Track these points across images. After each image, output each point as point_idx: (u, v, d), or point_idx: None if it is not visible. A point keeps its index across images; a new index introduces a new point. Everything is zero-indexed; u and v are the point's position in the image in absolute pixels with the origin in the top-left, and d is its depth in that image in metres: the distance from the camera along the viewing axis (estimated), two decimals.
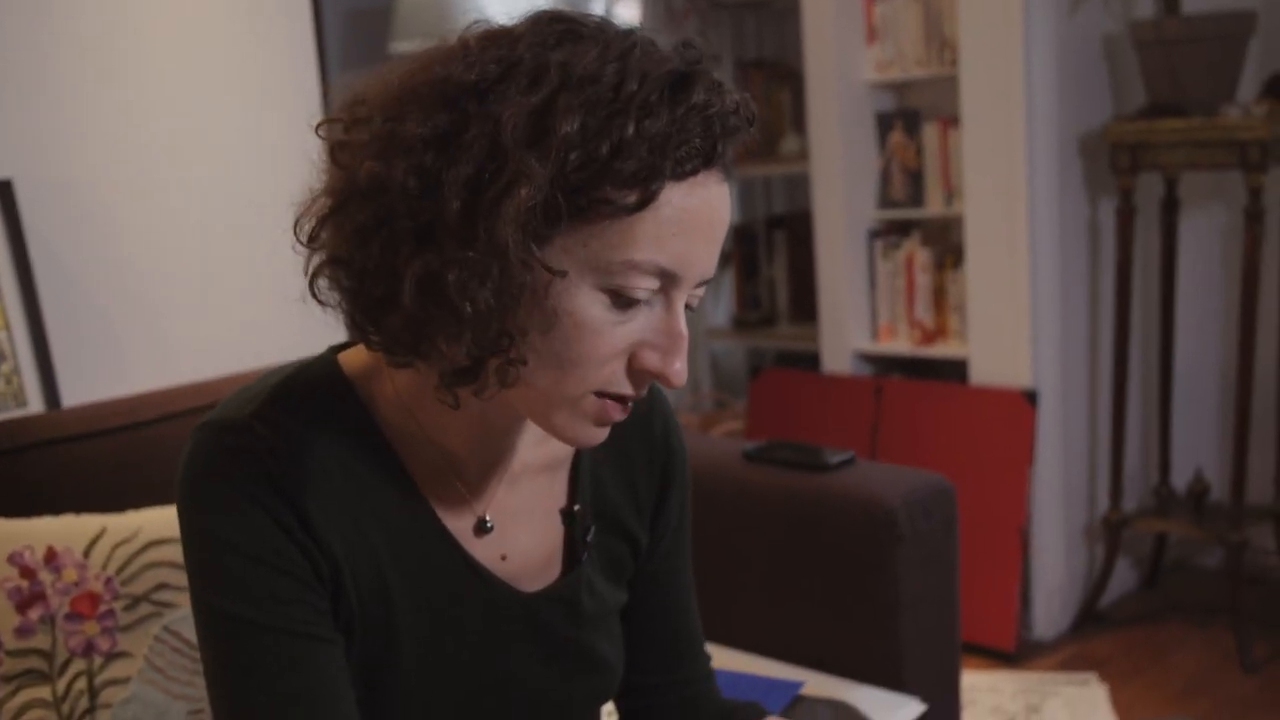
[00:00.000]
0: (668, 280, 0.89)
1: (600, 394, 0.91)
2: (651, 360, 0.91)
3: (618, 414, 0.93)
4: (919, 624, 1.73)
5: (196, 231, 2.27)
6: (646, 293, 0.89)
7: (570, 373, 0.89)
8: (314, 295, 0.92)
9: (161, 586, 1.54)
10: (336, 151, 0.90)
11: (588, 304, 0.88)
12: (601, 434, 0.95)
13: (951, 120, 3.47)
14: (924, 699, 1.68)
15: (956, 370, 3.56)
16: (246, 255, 2.30)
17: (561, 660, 1.07)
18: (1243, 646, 3.17)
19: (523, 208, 0.82)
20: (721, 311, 4.58)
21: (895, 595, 1.70)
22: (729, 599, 1.89)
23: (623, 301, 0.88)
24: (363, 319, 0.90)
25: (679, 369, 0.92)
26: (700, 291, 0.94)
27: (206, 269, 2.28)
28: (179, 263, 2.24)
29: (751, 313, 4.41)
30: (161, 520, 1.57)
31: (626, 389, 0.92)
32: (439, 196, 0.84)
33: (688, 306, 0.93)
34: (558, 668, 1.07)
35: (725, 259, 4.44)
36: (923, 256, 3.57)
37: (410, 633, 1.00)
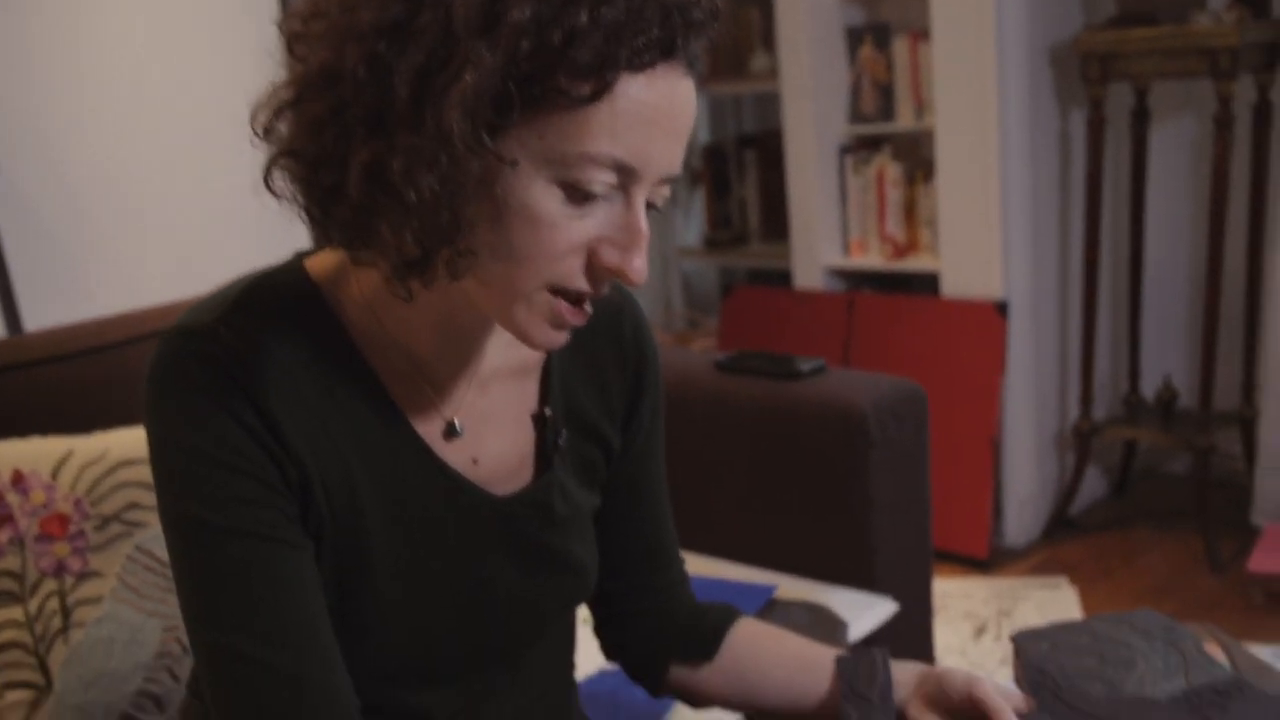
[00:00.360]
0: (626, 175, 0.88)
1: (555, 291, 0.90)
2: (610, 257, 0.90)
3: (572, 315, 0.92)
4: (891, 527, 1.75)
5: (154, 155, 2.23)
6: (604, 187, 0.87)
7: (523, 266, 0.88)
8: (268, 187, 0.90)
9: (132, 506, 1.54)
10: (293, 44, 0.89)
11: (541, 197, 0.86)
12: (559, 337, 0.94)
13: (921, 33, 3.44)
14: (896, 599, 1.70)
15: (928, 284, 3.56)
16: (205, 177, 2.26)
17: (535, 564, 1.07)
18: (1210, 548, 3.22)
19: (469, 94, 0.81)
20: (693, 231, 4.57)
21: (867, 499, 1.71)
22: (703, 507, 1.90)
23: (579, 195, 0.87)
24: (315, 209, 0.89)
25: (639, 266, 0.90)
26: (665, 191, 0.92)
27: (164, 192, 2.25)
28: (137, 187, 2.21)
29: (723, 232, 4.39)
30: (130, 441, 1.56)
31: (583, 285, 0.91)
32: (389, 84, 0.83)
33: (651, 205, 0.92)
34: (531, 571, 1.07)
35: (695, 178, 4.42)
36: (893, 171, 3.56)
37: (382, 538, 0.99)
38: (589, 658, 1.44)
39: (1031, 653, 1.23)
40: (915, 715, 1.11)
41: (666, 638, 1.21)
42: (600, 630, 1.25)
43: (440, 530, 1.02)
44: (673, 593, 1.22)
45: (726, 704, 1.23)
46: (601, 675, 1.53)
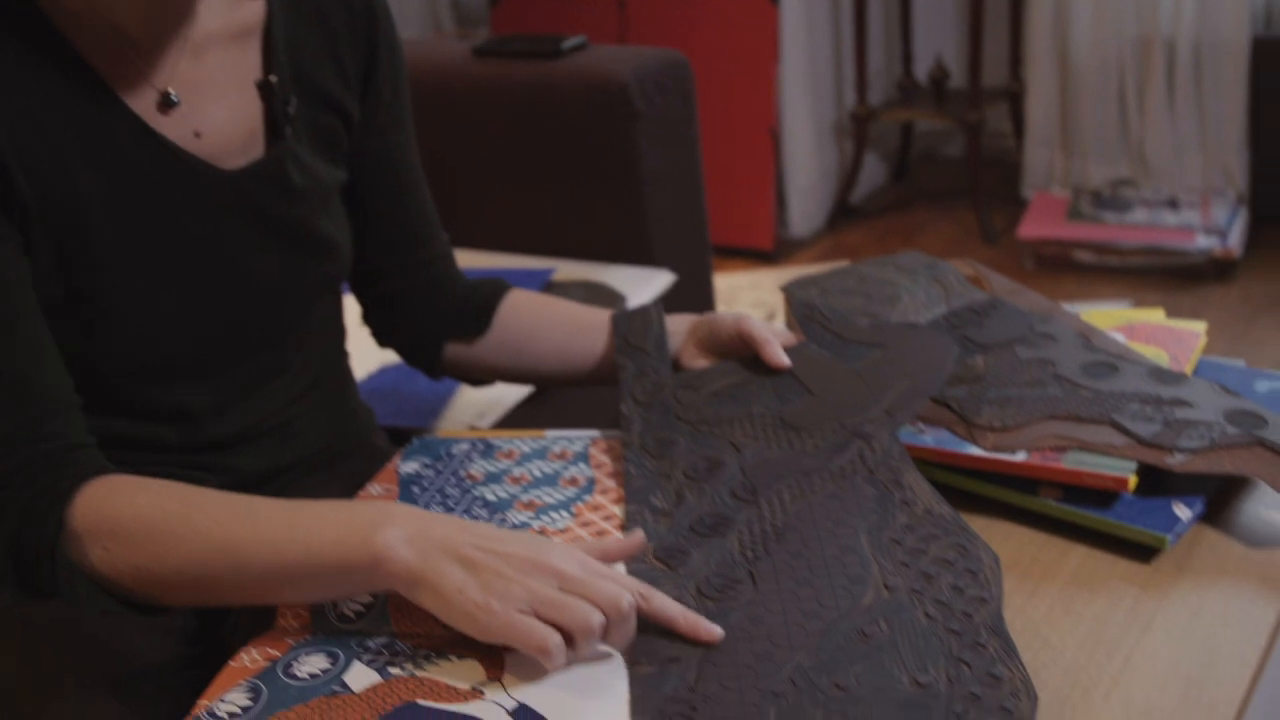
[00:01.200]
0: None
1: None
2: None
3: None
4: (664, 201, 1.72)
5: None
6: None
7: None
8: None
9: None
10: None
11: None
12: None
13: None
14: (674, 271, 1.70)
15: None
16: None
17: (279, 241, 1.01)
18: (983, 221, 3.35)
19: None
20: None
21: (637, 174, 1.67)
22: (473, 200, 1.84)
23: None
24: None
25: None
26: None
27: None
28: None
29: None
30: None
31: None
32: None
33: None
34: (276, 249, 1.01)
35: None
36: None
37: (106, 224, 0.92)
38: (371, 354, 1.41)
39: (800, 296, 1.24)
40: (689, 360, 1.12)
41: (438, 315, 1.18)
42: (369, 317, 1.21)
43: (168, 210, 0.95)
44: (438, 269, 1.18)
45: (505, 376, 1.21)
46: (383, 370, 1.50)
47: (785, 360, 1.05)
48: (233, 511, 0.83)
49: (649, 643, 0.79)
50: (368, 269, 1.15)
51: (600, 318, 1.16)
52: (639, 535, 0.85)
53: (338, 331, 1.16)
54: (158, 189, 0.95)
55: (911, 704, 0.71)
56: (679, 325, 1.14)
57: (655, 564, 0.86)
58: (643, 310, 1.15)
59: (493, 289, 1.19)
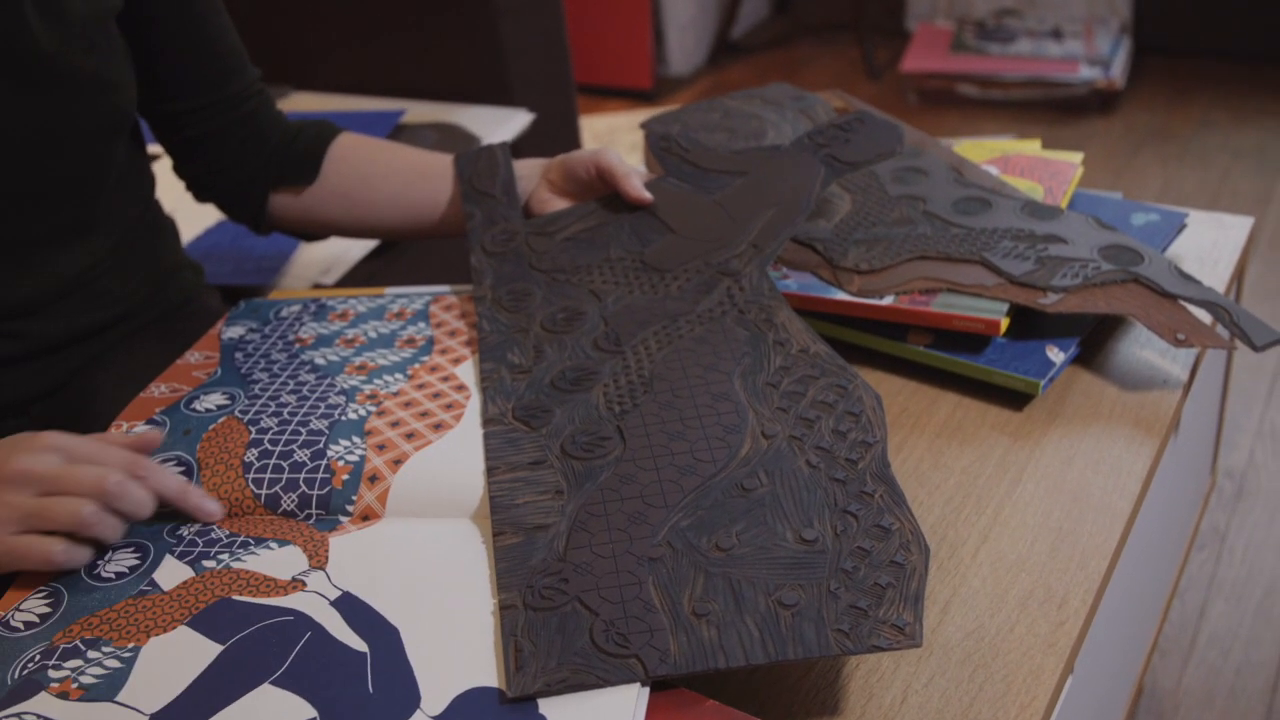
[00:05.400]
0: None
1: None
2: None
3: None
4: (521, 33, 1.60)
5: None
6: None
7: None
8: None
9: None
10: None
11: None
12: None
13: None
14: (534, 111, 1.59)
15: None
16: None
17: (45, 84, 0.87)
18: (867, 56, 3.26)
19: None
20: None
21: (492, 2, 1.54)
22: (311, 38, 1.69)
23: None
24: None
25: None
26: None
27: None
28: None
29: None
30: None
31: None
32: None
33: None
34: (44, 93, 0.87)
35: None
36: None
37: None
38: (205, 211, 1.29)
39: (658, 130, 1.16)
40: (542, 204, 1.03)
41: (256, 162, 1.06)
42: (180, 168, 1.08)
43: None
44: (251, 108, 1.05)
45: (341, 229, 1.11)
46: (220, 226, 1.39)
47: (646, 194, 0.97)
48: None
49: (512, 511, 0.72)
50: (167, 111, 1.02)
51: (443, 162, 1.07)
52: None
53: (141, 183, 1.04)
54: None
55: (797, 563, 0.66)
56: (529, 168, 1.05)
57: (515, 424, 0.80)
58: (487, 150, 1.06)
59: (319, 131, 1.08)
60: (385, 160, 1.08)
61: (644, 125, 1.18)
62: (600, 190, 1.00)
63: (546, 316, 0.89)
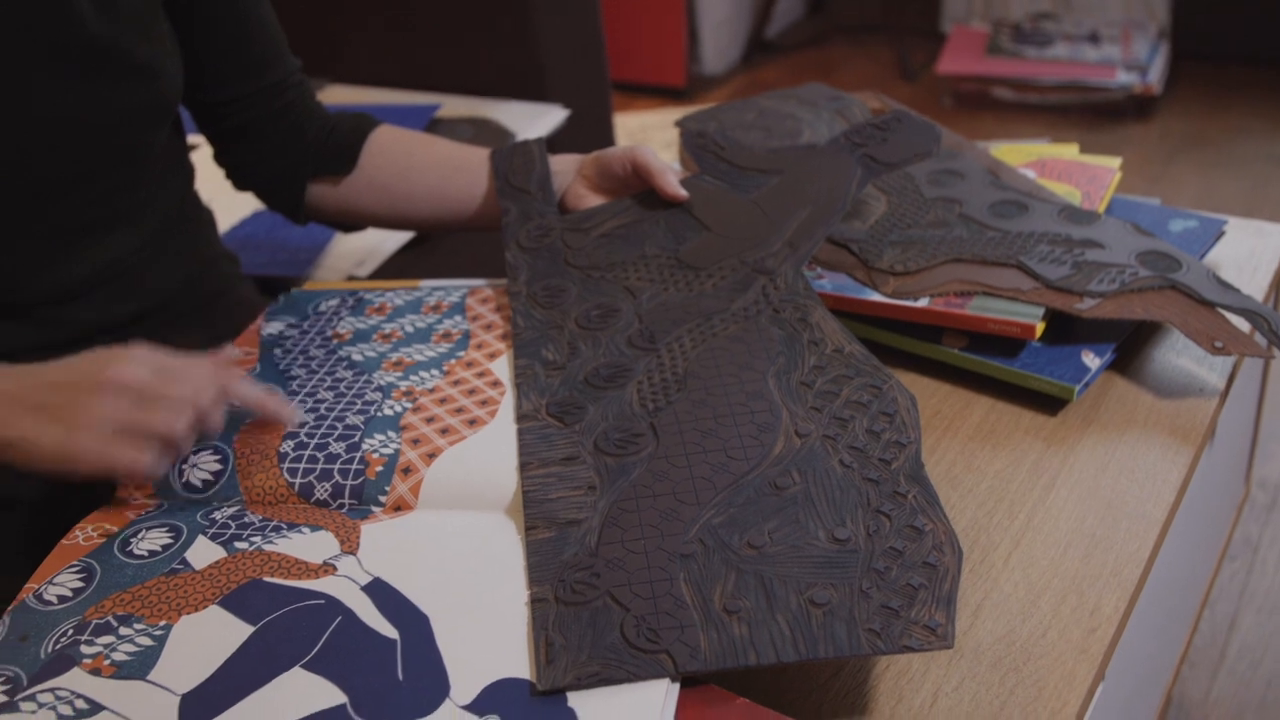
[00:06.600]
0: None
1: None
2: None
3: None
4: (557, 29, 1.60)
5: None
6: None
7: None
8: None
9: None
10: None
11: None
12: None
13: None
14: (569, 107, 1.59)
15: None
16: None
17: (95, 70, 0.88)
18: (902, 58, 3.25)
19: None
20: None
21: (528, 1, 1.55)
22: (350, 32, 1.70)
23: None
24: None
25: None
26: None
27: None
28: None
29: None
30: None
31: None
32: None
33: None
34: (93, 79, 0.88)
35: None
36: None
37: None
38: (242, 200, 1.29)
39: (693, 128, 1.16)
40: (578, 200, 1.03)
41: (296, 152, 1.07)
42: (221, 156, 1.09)
43: None
44: (291, 98, 1.06)
45: (377, 220, 1.11)
46: (256, 216, 1.39)
47: (682, 191, 0.97)
48: None
49: (545, 505, 0.73)
50: (209, 100, 1.03)
51: (479, 156, 1.07)
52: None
53: (180, 173, 1.04)
54: None
55: (829, 562, 0.66)
56: (565, 164, 1.05)
57: (549, 420, 0.80)
58: (524, 146, 1.06)
59: (357, 123, 1.09)
60: (422, 153, 1.08)
61: (679, 123, 1.18)
62: (635, 187, 1.01)
63: (581, 313, 0.89)
